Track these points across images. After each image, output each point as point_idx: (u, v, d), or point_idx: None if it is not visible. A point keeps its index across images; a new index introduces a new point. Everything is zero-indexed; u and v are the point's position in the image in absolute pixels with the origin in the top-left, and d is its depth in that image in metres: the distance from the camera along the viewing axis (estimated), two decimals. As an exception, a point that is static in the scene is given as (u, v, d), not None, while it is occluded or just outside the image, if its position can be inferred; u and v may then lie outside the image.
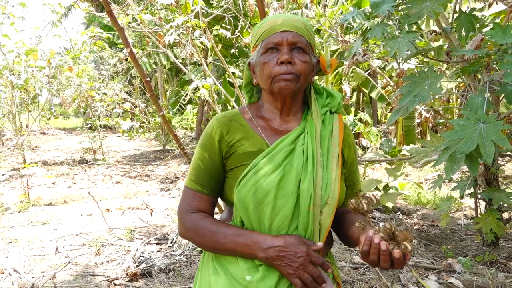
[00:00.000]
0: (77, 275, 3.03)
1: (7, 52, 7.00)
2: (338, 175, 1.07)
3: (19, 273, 3.00)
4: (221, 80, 9.36)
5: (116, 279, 2.95)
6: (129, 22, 4.17)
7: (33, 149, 10.54)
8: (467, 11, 1.97)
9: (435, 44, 3.59)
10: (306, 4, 5.15)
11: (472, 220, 4.15)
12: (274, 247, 0.98)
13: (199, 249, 3.38)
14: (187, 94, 12.41)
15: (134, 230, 4.03)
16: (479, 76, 2.59)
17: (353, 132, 7.82)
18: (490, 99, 2.11)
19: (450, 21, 2.45)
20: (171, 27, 4.04)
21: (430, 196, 5.29)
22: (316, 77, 1.25)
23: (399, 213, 4.69)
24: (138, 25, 4.27)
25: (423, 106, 3.48)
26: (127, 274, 2.98)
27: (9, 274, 2.98)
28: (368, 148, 9.26)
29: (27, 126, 9.91)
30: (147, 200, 5.22)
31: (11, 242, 3.73)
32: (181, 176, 7.18)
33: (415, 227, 4.16)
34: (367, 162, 4.80)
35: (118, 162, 8.91)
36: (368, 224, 1.01)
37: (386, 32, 1.86)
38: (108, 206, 5.02)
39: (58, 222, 4.41)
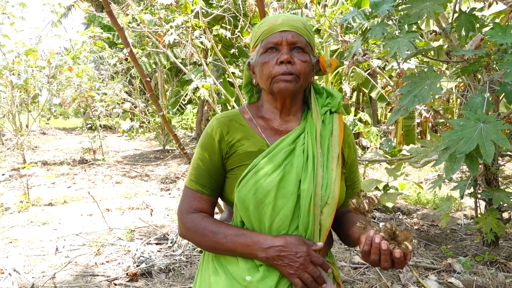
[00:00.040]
0: (77, 275, 3.03)
1: (7, 52, 7.00)
2: (338, 175, 1.07)
3: (19, 273, 3.00)
4: (221, 80, 9.36)
5: (116, 279, 2.95)
6: (129, 22, 4.17)
7: (33, 149, 10.54)
8: (467, 11, 1.97)
9: (435, 44, 3.59)
10: (306, 4, 5.15)
11: (472, 220, 4.15)
12: (275, 247, 0.98)
13: (199, 249, 3.38)
14: (187, 94, 12.42)
15: (134, 230, 4.03)
16: (479, 76, 2.59)
17: (353, 132, 7.82)
18: (490, 99, 2.11)
19: (450, 21, 2.45)
20: (171, 27, 4.04)
21: (430, 196, 5.29)
22: (316, 77, 1.25)
23: (399, 213, 4.69)
24: (138, 25, 4.27)
25: (423, 106, 3.48)
26: (127, 274, 2.98)
27: (9, 274, 2.98)
28: (368, 148, 9.26)
29: (27, 126, 9.90)
30: (147, 200, 5.22)
31: (11, 242, 3.73)
32: (181, 176, 7.19)
33: (415, 227, 4.16)
34: (367, 162, 4.80)
35: (118, 162, 8.91)
36: (369, 224, 1.01)
37: (386, 32, 1.86)
38: (108, 206, 5.02)
39: (58, 222, 4.41)
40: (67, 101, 9.89)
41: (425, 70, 1.63)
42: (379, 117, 12.54)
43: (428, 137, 9.59)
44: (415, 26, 2.29)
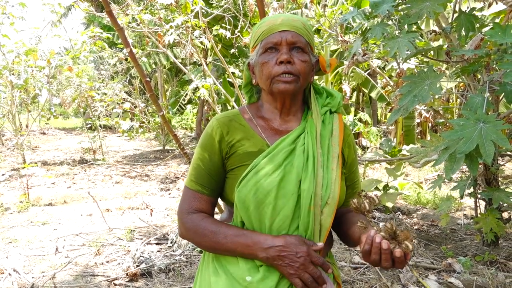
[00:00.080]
0: (77, 275, 3.03)
1: (7, 52, 7.00)
2: (339, 175, 1.07)
3: (19, 273, 3.00)
4: (221, 80, 9.36)
5: (116, 279, 2.95)
6: (129, 22, 4.17)
7: (33, 149, 10.53)
8: (467, 11, 1.97)
9: (435, 44, 3.59)
10: (306, 4, 5.15)
11: (472, 220, 4.15)
12: (275, 247, 0.98)
13: (199, 249, 3.38)
14: (187, 94, 12.41)
15: (134, 230, 4.03)
16: (479, 76, 2.59)
17: (353, 132, 7.83)
18: (490, 99, 2.11)
19: (450, 21, 2.45)
20: (171, 27, 4.04)
21: (430, 196, 5.29)
22: (315, 77, 1.25)
23: (399, 213, 4.69)
24: (138, 25, 4.27)
25: (423, 106, 3.48)
26: (127, 274, 2.98)
27: (9, 274, 2.98)
28: (368, 148, 9.26)
29: (27, 126, 9.90)
30: (147, 200, 5.22)
31: (11, 242, 3.73)
32: (181, 176, 7.18)
33: (415, 227, 4.16)
34: (367, 162, 4.81)
35: (118, 162, 8.91)
36: (369, 224, 1.01)
37: (386, 32, 1.86)
38: (108, 206, 5.02)
39: (58, 222, 4.41)
40: (67, 101, 9.88)
41: (425, 70, 1.64)
42: (379, 117, 12.54)
43: (428, 137, 9.59)
44: (415, 26, 2.29)
